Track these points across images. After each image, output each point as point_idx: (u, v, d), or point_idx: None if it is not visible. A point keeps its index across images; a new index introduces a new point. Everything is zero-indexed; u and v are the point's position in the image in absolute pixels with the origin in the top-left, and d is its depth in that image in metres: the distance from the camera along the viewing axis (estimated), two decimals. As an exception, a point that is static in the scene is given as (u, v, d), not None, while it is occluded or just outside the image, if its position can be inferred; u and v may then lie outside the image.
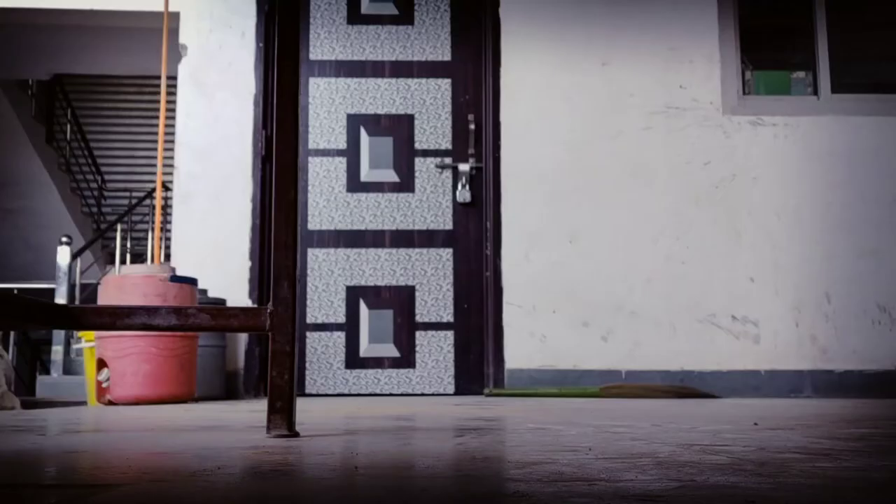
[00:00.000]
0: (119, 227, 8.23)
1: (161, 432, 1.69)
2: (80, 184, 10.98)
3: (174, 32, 4.49)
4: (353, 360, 4.42)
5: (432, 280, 4.45)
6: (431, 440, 1.43)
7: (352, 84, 4.59)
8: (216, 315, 1.59)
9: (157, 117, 6.27)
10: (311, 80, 4.60)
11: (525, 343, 4.29)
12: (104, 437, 1.64)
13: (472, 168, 4.49)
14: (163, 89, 4.10)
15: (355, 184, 4.53)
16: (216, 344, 4.05)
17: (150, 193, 8.57)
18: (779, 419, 2.06)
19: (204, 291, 4.02)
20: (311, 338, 4.40)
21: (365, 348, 4.44)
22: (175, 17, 4.47)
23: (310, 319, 4.41)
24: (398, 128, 4.58)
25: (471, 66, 4.62)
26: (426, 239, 4.49)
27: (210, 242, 4.36)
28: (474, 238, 4.49)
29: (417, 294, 4.45)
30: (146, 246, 8.73)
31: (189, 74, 4.49)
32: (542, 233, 4.38)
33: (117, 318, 1.55)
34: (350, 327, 4.45)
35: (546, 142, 4.45)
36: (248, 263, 4.36)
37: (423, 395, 4.35)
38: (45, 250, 8.43)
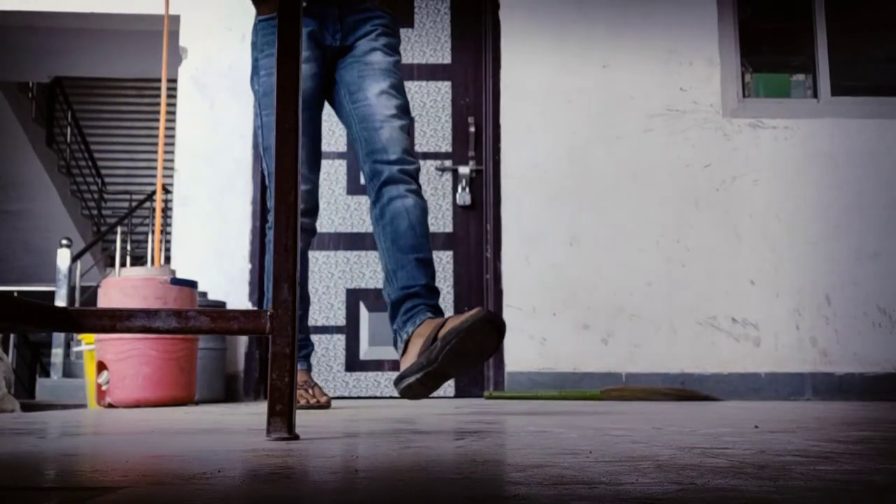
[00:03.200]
0: (119, 229, 8.24)
1: (161, 435, 1.68)
2: (80, 186, 11.00)
3: (174, 35, 4.49)
4: (353, 362, 4.42)
5: (432, 282, 4.44)
6: (432, 443, 1.43)
7: (352, 86, 4.58)
8: (216, 318, 1.58)
9: (158, 120, 6.27)
10: (312, 83, 4.59)
11: (525, 345, 4.28)
12: (104, 439, 1.64)
13: (472, 171, 4.49)
14: (163, 92, 4.10)
15: (355, 186, 4.53)
16: (216, 346, 4.04)
17: (150, 196, 8.58)
18: (779, 422, 2.06)
19: (204, 294, 4.02)
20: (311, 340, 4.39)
21: (365, 351, 4.43)
22: (175, 20, 4.48)
23: (309, 322, 4.40)
24: (398, 130, 4.57)
25: (471, 68, 4.62)
26: (426, 241, 4.48)
27: (210, 245, 4.36)
28: (474, 241, 4.49)
29: (417, 296, 4.43)
30: (146, 248, 8.74)
31: (189, 77, 4.50)
32: (542, 235, 4.38)
33: (117, 321, 1.55)
34: (350, 330, 4.44)
35: (546, 144, 4.45)
36: (249, 266, 4.35)
37: (423, 397, 4.34)
38: (45, 253, 8.44)
